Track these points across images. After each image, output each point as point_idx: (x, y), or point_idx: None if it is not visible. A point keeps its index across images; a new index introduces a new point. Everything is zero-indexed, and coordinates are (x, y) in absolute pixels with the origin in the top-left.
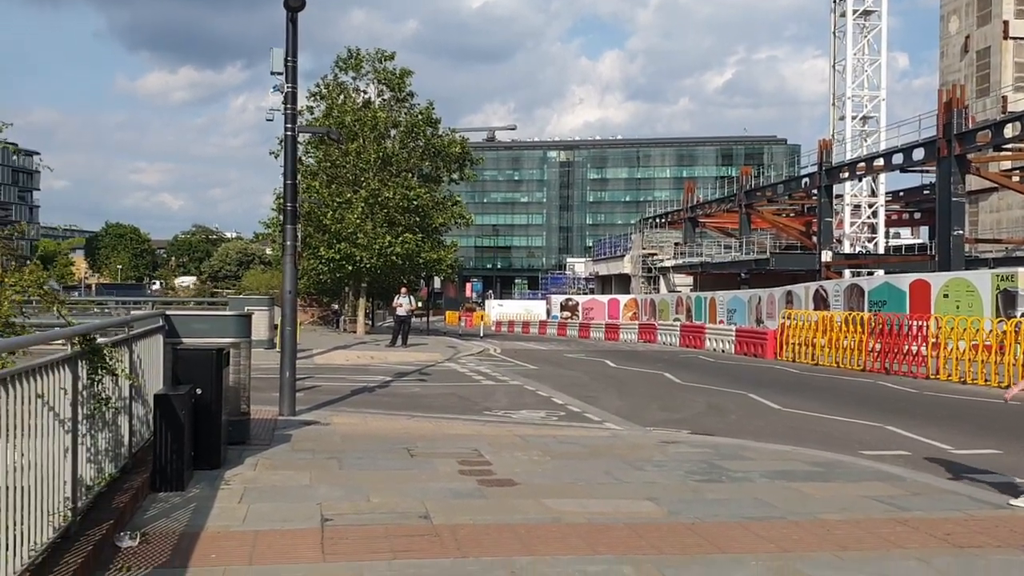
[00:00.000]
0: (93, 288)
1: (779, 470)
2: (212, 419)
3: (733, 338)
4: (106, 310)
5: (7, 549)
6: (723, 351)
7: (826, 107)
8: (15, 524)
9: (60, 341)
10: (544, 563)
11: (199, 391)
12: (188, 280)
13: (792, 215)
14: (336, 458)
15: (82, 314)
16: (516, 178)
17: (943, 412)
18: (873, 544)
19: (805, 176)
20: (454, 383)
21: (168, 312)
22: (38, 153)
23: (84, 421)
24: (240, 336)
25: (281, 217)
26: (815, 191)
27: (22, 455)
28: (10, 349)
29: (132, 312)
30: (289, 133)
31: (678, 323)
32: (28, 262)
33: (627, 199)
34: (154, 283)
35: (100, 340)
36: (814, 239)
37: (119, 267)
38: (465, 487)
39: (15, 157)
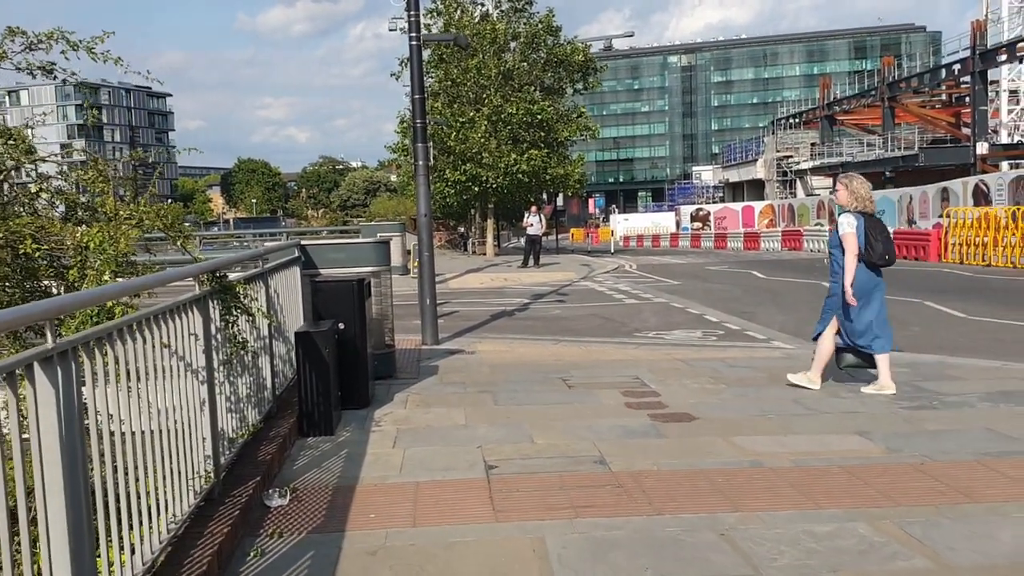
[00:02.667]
0: (231, 222)
1: (999, 391)
2: (357, 355)
3: None
4: (245, 243)
5: (143, 525)
6: None
7: None
8: (151, 494)
9: (189, 280)
10: (757, 521)
11: (342, 325)
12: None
13: (938, 107)
14: (489, 391)
15: (222, 248)
16: (636, 87)
17: None
18: None
19: (956, 62)
20: (595, 303)
21: (303, 242)
22: (170, 95)
23: (221, 368)
24: (380, 264)
25: (407, 140)
26: (966, 78)
27: (152, 418)
28: (126, 294)
29: (266, 244)
30: (414, 43)
31: (826, 228)
32: (150, 193)
33: (754, 101)
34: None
35: (234, 275)
36: (964, 131)
37: (253, 201)
38: (637, 424)
39: (151, 100)
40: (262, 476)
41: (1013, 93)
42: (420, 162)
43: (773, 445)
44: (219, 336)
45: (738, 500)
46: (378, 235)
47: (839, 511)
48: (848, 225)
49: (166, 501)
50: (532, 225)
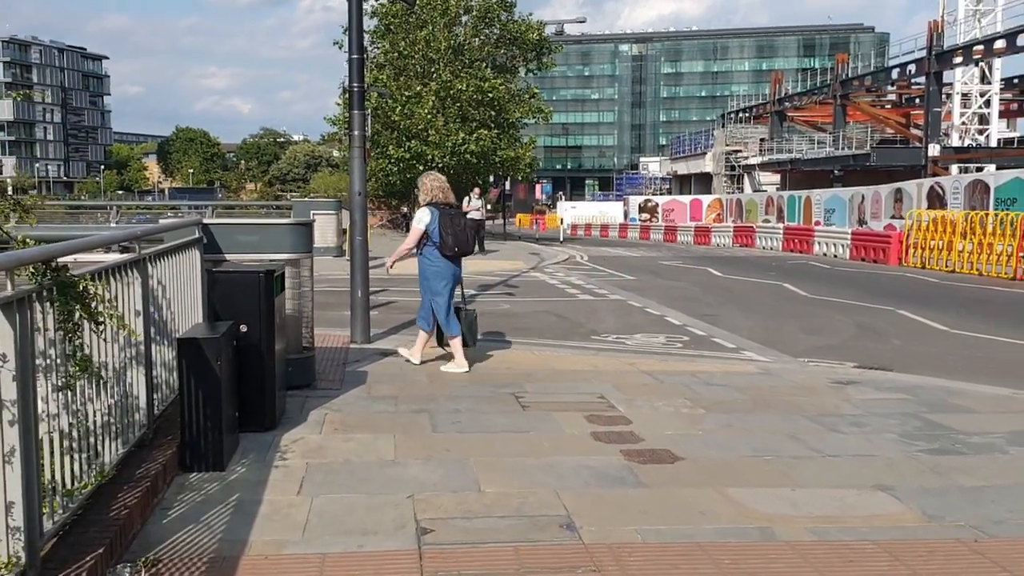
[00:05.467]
0: (166, 192)
1: None
2: (263, 365)
3: (848, 242)
4: (180, 214)
5: None
6: (836, 256)
7: None
8: None
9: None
10: None
11: (244, 328)
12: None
13: (888, 107)
14: (425, 411)
15: (129, 221)
16: (586, 74)
17: None
18: None
19: (911, 62)
20: (547, 298)
21: (207, 221)
22: (106, 57)
23: (55, 396)
24: (299, 250)
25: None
26: (918, 79)
27: None
28: None
29: (162, 221)
30: None
31: (780, 225)
32: None
33: (703, 94)
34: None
35: (107, 261)
36: (915, 132)
37: (191, 171)
38: (609, 464)
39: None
40: (109, 544)
41: (965, 96)
42: (355, 132)
43: (781, 504)
44: (53, 352)
45: None
46: (311, 213)
47: None
48: (418, 221)
49: None
50: (476, 208)
